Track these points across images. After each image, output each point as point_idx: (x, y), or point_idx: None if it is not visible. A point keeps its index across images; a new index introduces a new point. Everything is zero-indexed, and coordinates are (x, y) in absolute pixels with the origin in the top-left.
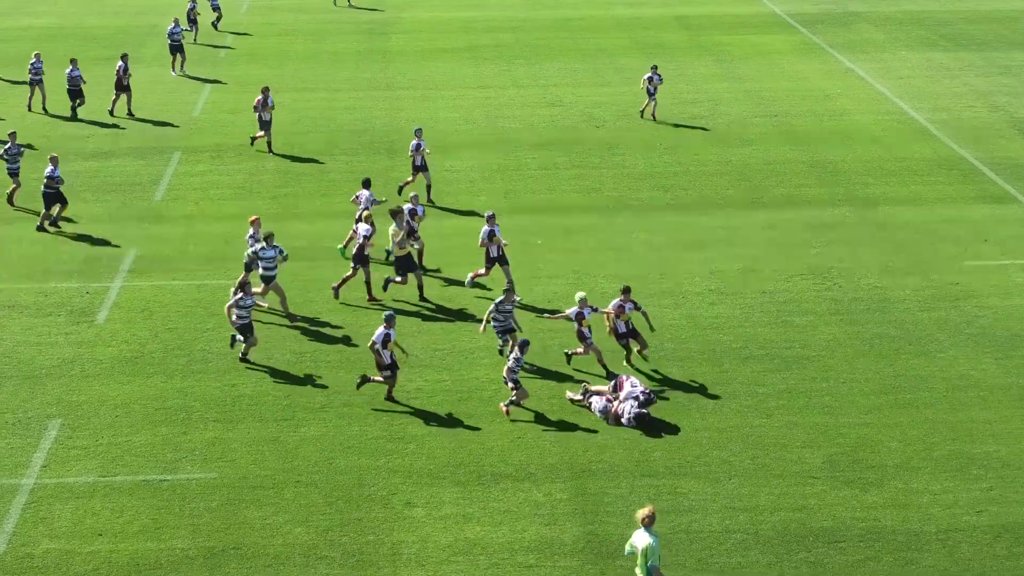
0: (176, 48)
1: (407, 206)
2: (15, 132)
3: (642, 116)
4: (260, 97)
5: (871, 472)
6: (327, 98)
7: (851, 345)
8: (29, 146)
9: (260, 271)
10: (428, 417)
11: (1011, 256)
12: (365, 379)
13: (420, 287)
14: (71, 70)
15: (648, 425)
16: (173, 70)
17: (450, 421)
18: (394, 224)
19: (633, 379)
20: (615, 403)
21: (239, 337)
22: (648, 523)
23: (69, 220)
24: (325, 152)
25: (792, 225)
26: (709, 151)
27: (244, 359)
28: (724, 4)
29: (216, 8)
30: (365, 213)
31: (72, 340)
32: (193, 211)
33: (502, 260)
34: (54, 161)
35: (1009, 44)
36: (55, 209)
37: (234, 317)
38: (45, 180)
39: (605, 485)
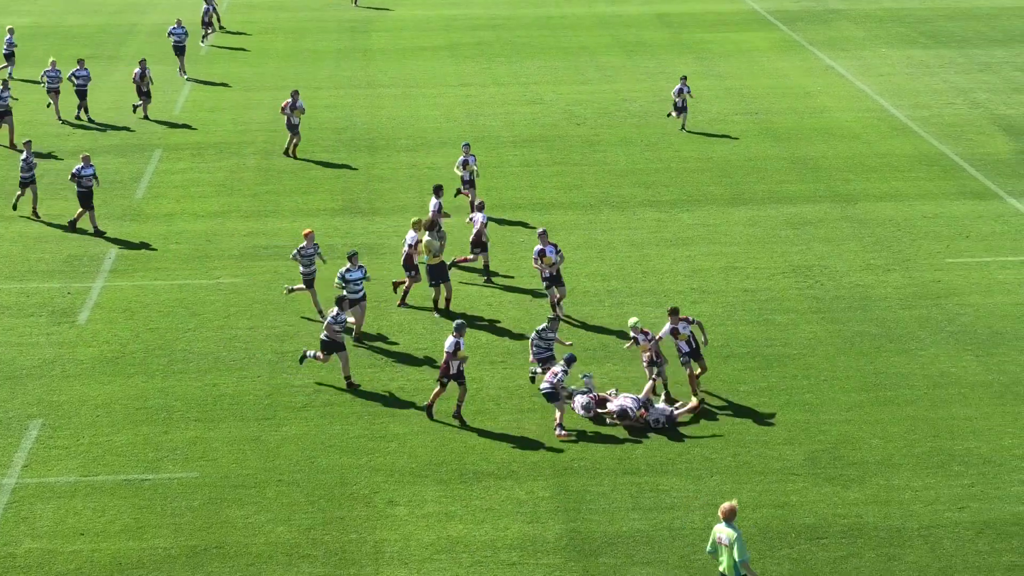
0: (180, 50)
1: (474, 215)
2: (30, 141)
3: (683, 129)
4: (288, 100)
5: (852, 469)
6: (308, 96)
7: (832, 343)
8: (51, 155)
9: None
10: (410, 416)
11: (992, 253)
12: (431, 406)
13: (447, 299)
14: (78, 70)
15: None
16: (181, 72)
17: (432, 420)
18: (427, 234)
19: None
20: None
21: (310, 354)
22: (730, 517)
23: (38, 219)
24: (306, 150)
25: (773, 222)
26: (690, 148)
27: (350, 384)
28: (705, 2)
29: (213, 10)
30: (414, 220)
31: (53, 340)
32: (174, 209)
33: (557, 281)
34: (85, 160)
35: (989, 41)
36: (89, 213)
37: (324, 335)
38: (77, 179)
39: (587, 483)
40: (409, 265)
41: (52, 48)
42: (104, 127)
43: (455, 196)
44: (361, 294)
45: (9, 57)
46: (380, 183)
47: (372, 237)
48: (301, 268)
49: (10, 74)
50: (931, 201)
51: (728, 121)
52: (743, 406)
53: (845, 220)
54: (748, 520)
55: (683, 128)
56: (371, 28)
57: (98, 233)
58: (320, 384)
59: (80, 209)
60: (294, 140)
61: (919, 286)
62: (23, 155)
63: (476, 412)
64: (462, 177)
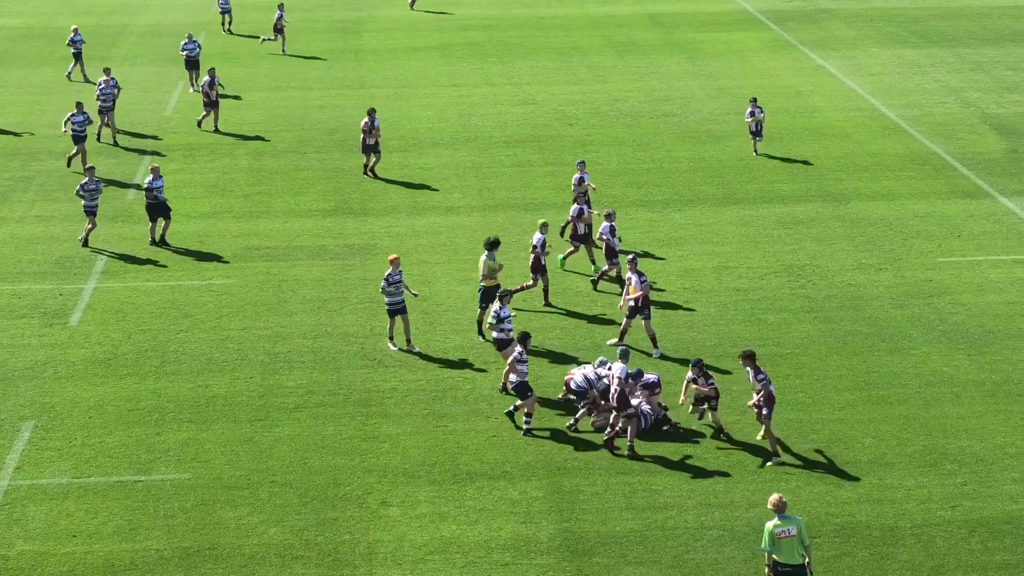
0: (192, 64)
1: (605, 225)
2: (93, 167)
3: (755, 153)
4: (366, 119)
5: (845, 468)
6: (300, 96)
7: (824, 342)
8: (112, 182)
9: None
10: (402, 416)
11: (984, 252)
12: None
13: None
14: (104, 79)
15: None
16: (192, 86)
17: (425, 420)
18: (486, 254)
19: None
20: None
21: (517, 408)
22: (781, 509)
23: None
24: (297, 150)
25: (765, 222)
26: (682, 148)
27: (527, 431)
28: (697, 1)
29: (227, 11)
30: (542, 222)
31: (45, 342)
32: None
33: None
34: (155, 171)
35: (979, 40)
36: (161, 224)
37: (513, 377)
38: (145, 191)
39: (580, 483)
40: (536, 268)
41: (43, 49)
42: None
43: (564, 229)
44: (510, 336)
45: (77, 56)
46: (372, 184)
47: (364, 238)
48: (386, 299)
49: (81, 71)
50: (923, 200)
51: (720, 121)
52: (736, 406)
53: (837, 219)
54: (742, 520)
55: (755, 152)
56: (362, 28)
57: (161, 243)
58: (312, 385)
59: (151, 223)
60: (373, 159)
61: (911, 285)
62: (84, 180)
63: (469, 412)
64: (575, 196)
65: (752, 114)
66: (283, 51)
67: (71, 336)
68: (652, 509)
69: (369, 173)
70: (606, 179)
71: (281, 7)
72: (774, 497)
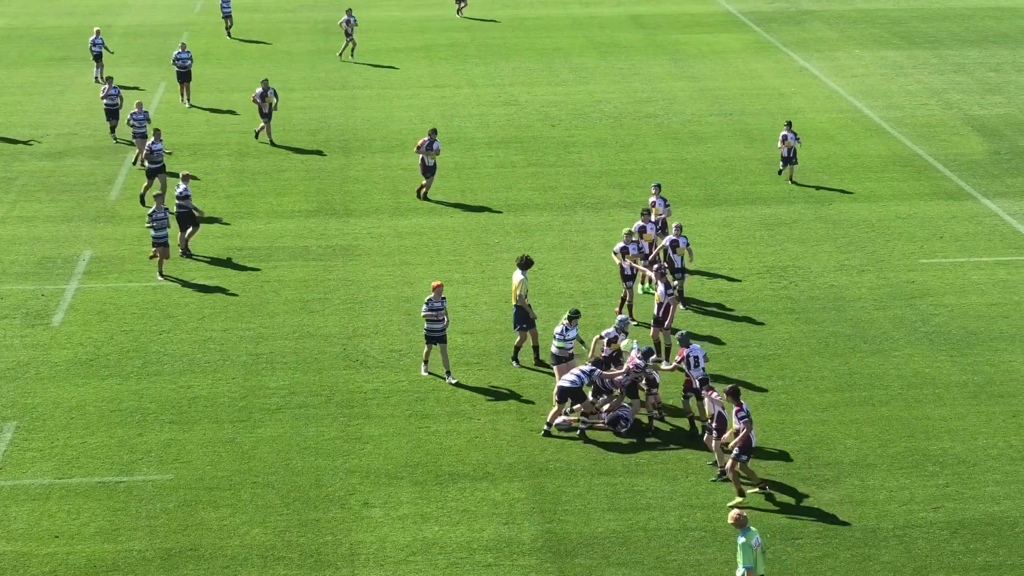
0: (184, 76)
1: (668, 238)
2: (161, 195)
3: (792, 181)
4: (425, 139)
5: (827, 469)
6: (282, 97)
7: (806, 343)
8: (92, 183)
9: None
10: (385, 417)
11: (966, 253)
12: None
13: (536, 348)
14: (136, 112)
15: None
16: (183, 99)
17: (407, 421)
18: (519, 273)
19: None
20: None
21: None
22: (744, 522)
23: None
24: (279, 151)
25: (747, 223)
26: (664, 149)
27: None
28: (679, 3)
29: (229, 15)
30: (626, 230)
31: (27, 343)
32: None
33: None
34: (185, 179)
35: (962, 42)
36: (188, 233)
37: (605, 419)
38: (177, 199)
39: (562, 484)
40: (625, 276)
41: (24, 50)
42: (75, 132)
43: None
44: (570, 353)
45: (97, 58)
46: (354, 184)
47: (347, 239)
48: (426, 325)
49: (101, 75)
50: (905, 202)
51: (702, 122)
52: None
53: (819, 221)
54: (723, 521)
55: (791, 180)
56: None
57: (185, 255)
58: (294, 386)
59: (181, 233)
60: (428, 183)
61: (893, 287)
62: (151, 209)
63: (451, 413)
64: (656, 221)
65: (784, 139)
66: (352, 56)
67: (53, 337)
68: (634, 510)
69: (424, 197)
70: (589, 180)
71: (349, 11)
72: (734, 513)
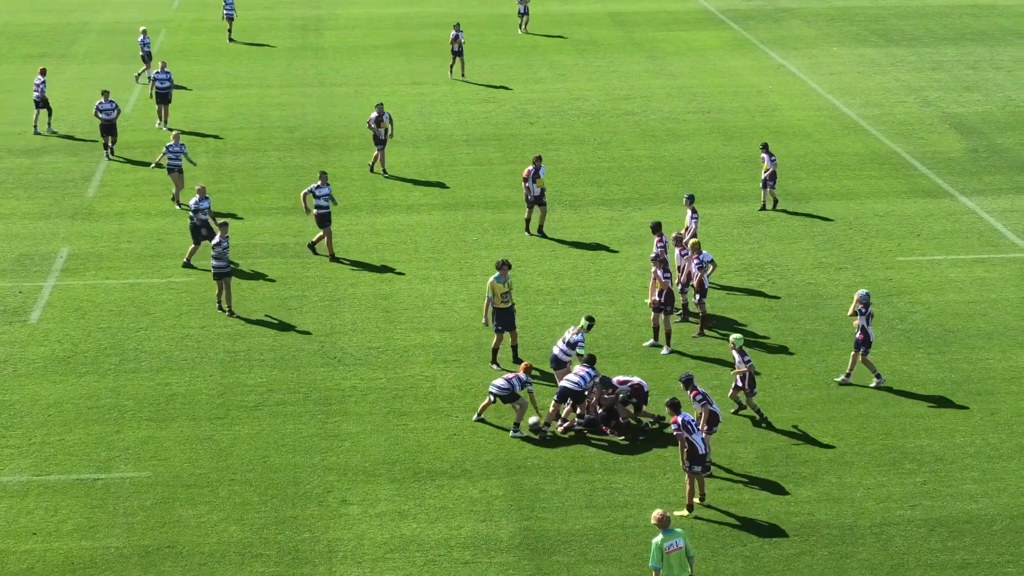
0: (163, 98)
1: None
2: (226, 223)
3: (773, 208)
4: (531, 168)
5: (804, 467)
6: (259, 94)
7: (784, 341)
8: (69, 179)
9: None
10: (363, 415)
11: (943, 251)
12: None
13: (514, 347)
14: (172, 144)
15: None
16: (159, 121)
17: (385, 419)
18: (497, 275)
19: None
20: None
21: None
22: (665, 523)
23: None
24: (257, 148)
25: (725, 220)
26: (642, 147)
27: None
28: (657, 1)
29: (231, 17)
30: (675, 234)
31: (4, 340)
32: (126, 208)
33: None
34: (201, 192)
35: (939, 39)
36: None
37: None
38: (191, 213)
39: (540, 481)
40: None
41: (3, 47)
42: (55, 126)
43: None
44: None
45: (145, 58)
46: (333, 182)
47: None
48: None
49: (148, 75)
50: (882, 199)
51: (680, 120)
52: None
53: (796, 218)
54: (701, 519)
55: (764, 207)
56: (323, 26)
57: (188, 265)
58: (272, 384)
59: (194, 245)
60: (541, 214)
61: (870, 284)
62: (216, 240)
63: (429, 411)
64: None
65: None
66: (463, 75)
67: (30, 334)
68: (612, 507)
69: (540, 233)
70: (567, 177)
71: (457, 27)
72: (657, 513)
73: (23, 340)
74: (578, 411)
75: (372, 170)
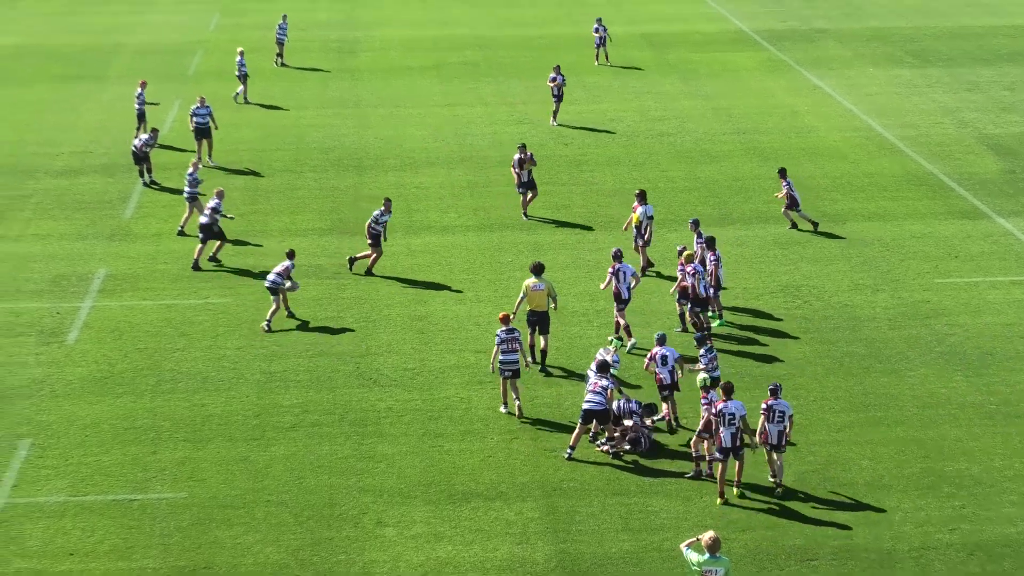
0: (202, 132)
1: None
2: (293, 251)
3: (795, 227)
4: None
5: (842, 490)
6: (294, 115)
7: (821, 363)
8: (106, 201)
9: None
10: (398, 436)
11: (981, 273)
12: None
13: (544, 351)
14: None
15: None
16: (206, 158)
17: (420, 440)
18: (533, 279)
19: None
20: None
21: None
22: (715, 548)
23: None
24: (293, 169)
25: (761, 242)
26: (677, 168)
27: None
28: (691, 21)
29: (282, 42)
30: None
31: (42, 360)
32: (162, 229)
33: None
34: (219, 195)
35: (975, 60)
36: (212, 246)
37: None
38: (208, 213)
39: (576, 504)
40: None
41: (36, 67)
42: (91, 147)
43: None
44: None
45: (242, 79)
46: (368, 203)
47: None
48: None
49: (244, 96)
50: (919, 221)
51: (715, 141)
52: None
53: (833, 240)
54: (737, 542)
55: (793, 226)
56: (358, 48)
57: (196, 268)
58: (308, 404)
59: (201, 246)
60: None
61: (908, 306)
62: (286, 280)
63: (465, 432)
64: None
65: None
66: (554, 120)
67: (68, 354)
68: (648, 531)
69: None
70: (601, 199)
71: (557, 68)
72: (711, 534)
73: (60, 361)
74: (607, 435)
75: (526, 214)
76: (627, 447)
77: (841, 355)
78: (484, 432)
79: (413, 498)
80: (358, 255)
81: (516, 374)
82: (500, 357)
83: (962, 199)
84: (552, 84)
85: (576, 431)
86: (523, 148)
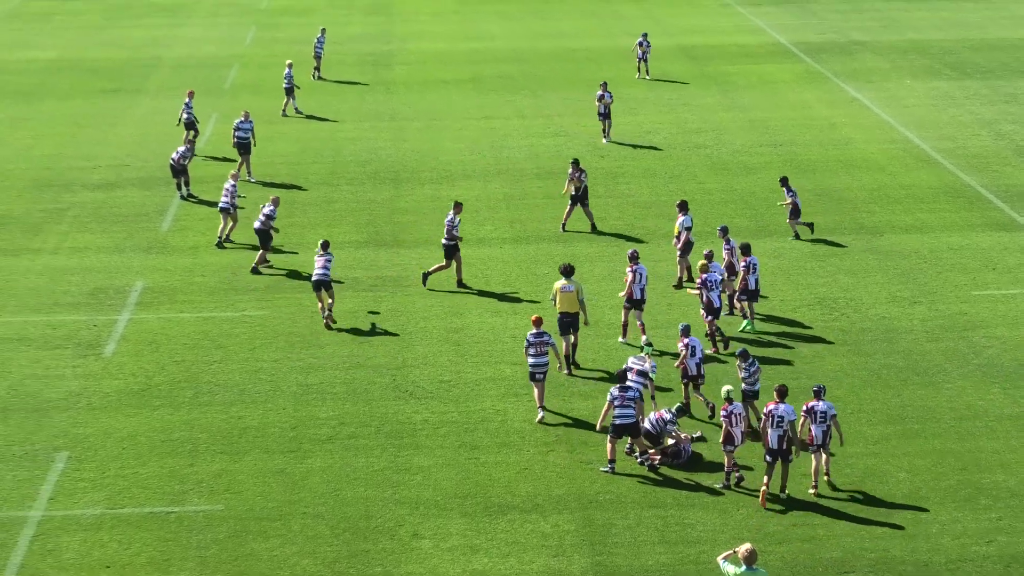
0: (244, 148)
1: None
2: (328, 241)
3: (797, 237)
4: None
5: (879, 502)
6: (331, 128)
7: (858, 375)
8: (143, 214)
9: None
10: (434, 448)
11: (1019, 285)
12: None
13: (574, 346)
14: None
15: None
16: (245, 174)
17: (456, 452)
18: (563, 280)
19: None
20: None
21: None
22: (752, 560)
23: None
24: (330, 183)
25: (798, 254)
26: (713, 180)
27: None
28: (729, 34)
29: (319, 56)
30: (743, 243)
31: (79, 373)
32: (199, 242)
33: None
34: (275, 202)
35: (1013, 72)
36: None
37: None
38: (262, 219)
39: (612, 516)
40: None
41: (75, 82)
42: (128, 160)
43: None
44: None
45: (289, 91)
46: (404, 215)
47: (396, 270)
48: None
49: (293, 106)
50: (957, 233)
51: (752, 153)
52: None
53: (870, 252)
54: (775, 554)
55: (796, 236)
56: (393, 61)
57: (256, 272)
58: (344, 417)
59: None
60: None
61: (945, 318)
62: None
63: (501, 445)
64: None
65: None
66: (605, 137)
67: (105, 367)
68: (685, 543)
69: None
70: (637, 211)
71: (604, 85)
72: (748, 546)
73: (97, 373)
74: (648, 455)
75: (595, 230)
76: (668, 459)
77: (878, 367)
78: (520, 444)
79: (449, 510)
80: (432, 269)
81: (545, 377)
82: (530, 361)
83: (999, 211)
84: (599, 103)
85: (609, 445)
86: (575, 164)
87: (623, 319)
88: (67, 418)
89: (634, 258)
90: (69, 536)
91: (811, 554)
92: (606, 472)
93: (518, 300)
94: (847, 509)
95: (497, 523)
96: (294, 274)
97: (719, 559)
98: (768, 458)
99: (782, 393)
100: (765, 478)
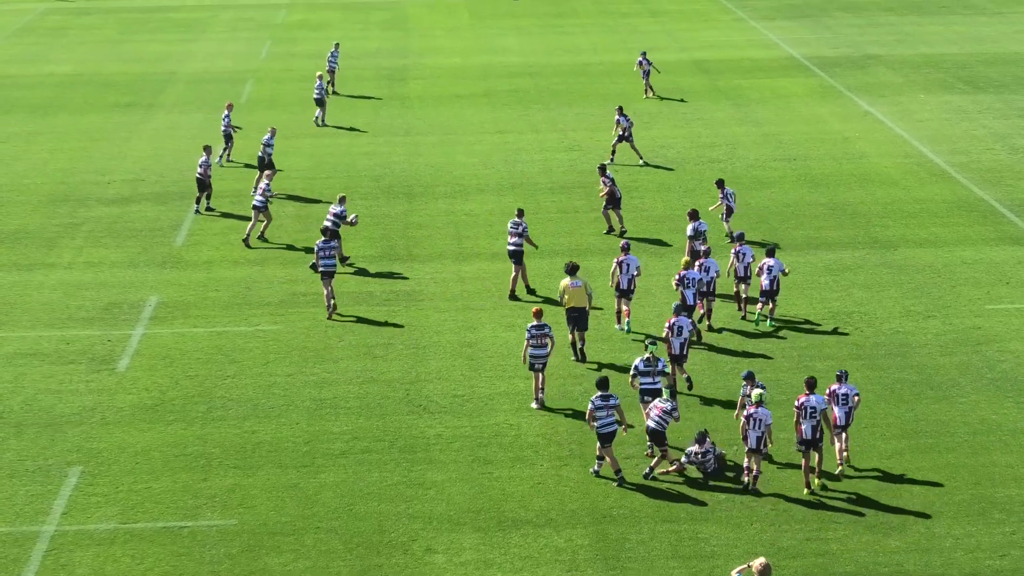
0: (267, 163)
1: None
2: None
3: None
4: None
5: (893, 517)
6: (346, 143)
7: (872, 390)
8: (157, 228)
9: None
10: (447, 463)
11: None
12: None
13: (582, 344)
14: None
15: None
16: (267, 187)
17: (470, 467)
18: (568, 279)
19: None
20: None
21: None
22: (766, 574)
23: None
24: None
25: (812, 268)
26: None
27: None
28: (742, 48)
29: (334, 70)
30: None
31: (93, 388)
32: (214, 256)
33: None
34: (342, 201)
35: None
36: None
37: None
38: (331, 218)
39: (626, 531)
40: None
41: (90, 96)
42: (143, 175)
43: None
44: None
45: (319, 102)
46: (418, 230)
47: (410, 284)
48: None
49: (322, 119)
50: (970, 247)
51: (765, 167)
52: (783, 453)
53: (884, 266)
54: (788, 569)
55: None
56: (408, 76)
57: (343, 260)
58: (357, 431)
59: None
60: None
61: (959, 332)
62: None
63: (514, 459)
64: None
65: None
66: (641, 160)
67: (119, 382)
68: (699, 558)
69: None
70: (651, 225)
71: (620, 109)
72: (762, 560)
73: (111, 388)
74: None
75: (622, 233)
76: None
77: (892, 381)
78: (534, 459)
79: (462, 525)
80: (513, 286)
81: (544, 367)
82: (530, 351)
83: (1013, 225)
84: (617, 128)
85: (608, 457)
86: (601, 169)
87: (616, 307)
88: (81, 433)
89: (625, 249)
90: (82, 551)
91: (825, 568)
92: (616, 483)
93: (531, 314)
94: (861, 523)
95: (511, 538)
96: (308, 288)
97: (733, 573)
98: (801, 447)
99: (811, 385)
100: (803, 462)
